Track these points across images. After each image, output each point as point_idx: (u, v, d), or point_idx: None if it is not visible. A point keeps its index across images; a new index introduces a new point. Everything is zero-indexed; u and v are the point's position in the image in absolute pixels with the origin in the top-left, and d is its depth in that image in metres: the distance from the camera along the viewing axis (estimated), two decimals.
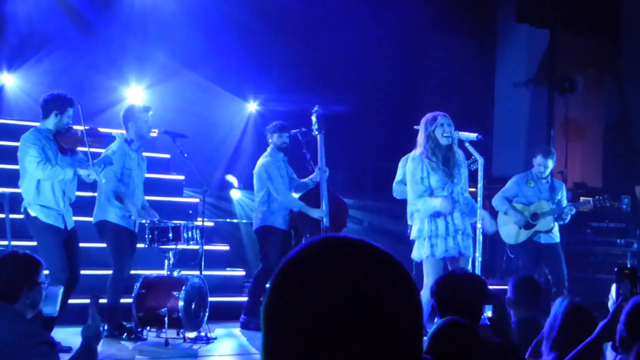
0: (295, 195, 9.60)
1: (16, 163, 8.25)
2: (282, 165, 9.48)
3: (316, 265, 1.35)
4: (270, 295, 1.36)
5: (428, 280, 7.20)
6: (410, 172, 7.48)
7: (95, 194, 8.59)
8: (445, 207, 7.31)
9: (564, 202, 9.71)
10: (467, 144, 7.43)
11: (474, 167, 7.76)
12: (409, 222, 8.99)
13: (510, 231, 9.70)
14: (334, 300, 1.31)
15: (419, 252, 7.41)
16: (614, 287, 4.33)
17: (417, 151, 7.51)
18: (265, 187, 9.38)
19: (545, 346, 4.01)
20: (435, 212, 7.37)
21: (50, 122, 7.74)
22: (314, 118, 9.53)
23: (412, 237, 7.56)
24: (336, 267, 1.34)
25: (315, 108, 9.55)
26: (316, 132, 9.50)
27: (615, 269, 3.83)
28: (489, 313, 4.46)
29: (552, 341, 3.95)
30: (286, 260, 1.39)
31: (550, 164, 9.63)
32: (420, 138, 7.49)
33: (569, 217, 9.57)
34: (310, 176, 9.63)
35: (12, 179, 9.14)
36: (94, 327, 4.49)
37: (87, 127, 7.85)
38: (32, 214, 7.66)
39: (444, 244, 7.33)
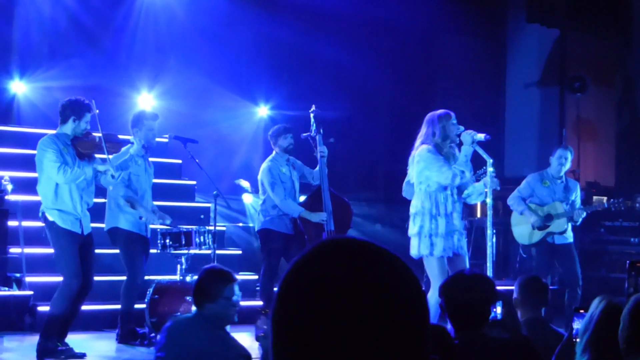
0: (302, 198, 9.56)
1: (29, 171, 8.28)
2: (285, 169, 9.40)
3: (322, 269, 1.34)
4: (277, 300, 1.36)
5: (434, 280, 7.19)
6: (429, 163, 7.35)
7: (106, 200, 8.61)
8: (466, 138, 7.30)
9: (578, 203, 9.67)
10: (475, 145, 7.38)
11: (482, 178, 7.66)
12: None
13: (523, 232, 9.67)
14: (339, 304, 1.30)
15: (418, 249, 7.39)
16: None
17: (425, 145, 7.43)
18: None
19: (579, 346, 3.99)
20: (437, 211, 7.37)
21: (68, 128, 7.72)
22: (312, 119, 9.49)
23: (411, 233, 7.52)
24: (342, 271, 1.33)
25: (313, 108, 9.51)
26: (314, 133, 9.44)
27: (627, 262, 3.83)
28: (498, 309, 4.47)
29: (585, 342, 3.93)
30: (292, 264, 1.38)
31: (570, 156, 9.62)
32: (433, 132, 7.44)
33: (580, 220, 9.52)
34: (317, 167, 9.50)
35: (25, 186, 9.19)
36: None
37: (104, 133, 7.84)
38: (50, 218, 7.65)
39: (443, 243, 7.33)
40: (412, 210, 7.58)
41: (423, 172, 7.40)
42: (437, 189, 7.38)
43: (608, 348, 3.65)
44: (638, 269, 3.69)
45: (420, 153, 7.43)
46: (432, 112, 7.52)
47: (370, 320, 1.30)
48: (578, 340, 4.03)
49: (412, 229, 7.49)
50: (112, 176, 7.90)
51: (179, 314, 8.21)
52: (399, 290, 1.35)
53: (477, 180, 7.56)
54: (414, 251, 7.43)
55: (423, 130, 7.48)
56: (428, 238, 7.34)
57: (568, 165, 9.66)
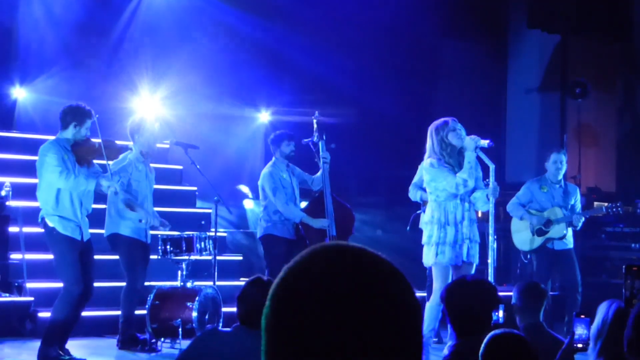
0: (303, 204, 9.54)
1: (30, 176, 8.27)
2: (285, 174, 9.37)
3: (314, 275, 1.34)
4: (269, 305, 1.36)
5: (436, 285, 7.24)
6: (435, 175, 7.37)
7: (105, 206, 8.60)
8: (469, 144, 7.30)
9: (578, 207, 9.67)
10: (478, 151, 7.38)
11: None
12: (421, 227, 8.97)
13: (524, 238, 9.66)
14: (331, 311, 1.30)
15: (426, 257, 7.44)
16: None
17: (432, 159, 7.43)
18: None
19: (593, 351, 3.98)
20: (445, 220, 7.38)
21: (69, 133, 7.73)
22: (314, 125, 9.47)
23: (423, 242, 7.57)
24: (334, 278, 1.33)
25: (316, 114, 9.49)
26: (317, 139, 9.43)
27: (624, 266, 3.84)
28: (500, 313, 4.48)
29: (600, 346, 3.92)
30: (285, 270, 1.38)
31: (564, 158, 9.61)
32: (433, 144, 7.44)
33: (580, 225, 9.53)
34: (317, 174, 9.48)
35: (26, 192, 9.18)
36: None
37: (104, 139, 7.85)
38: (50, 224, 7.65)
39: (451, 251, 7.33)
40: (424, 219, 7.65)
41: (430, 184, 7.48)
42: (446, 198, 7.39)
43: (622, 352, 3.65)
44: (634, 273, 3.71)
45: (425, 167, 7.55)
46: (434, 122, 7.50)
47: (362, 326, 1.30)
48: (590, 345, 4.02)
49: (424, 238, 7.56)
50: (116, 192, 7.92)
51: (179, 320, 8.21)
52: (392, 296, 1.34)
53: (486, 186, 7.57)
54: (424, 259, 7.49)
55: (427, 141, 7.52)
56: (435, 246, 7.36)
57: (564, 168, 9.65)
